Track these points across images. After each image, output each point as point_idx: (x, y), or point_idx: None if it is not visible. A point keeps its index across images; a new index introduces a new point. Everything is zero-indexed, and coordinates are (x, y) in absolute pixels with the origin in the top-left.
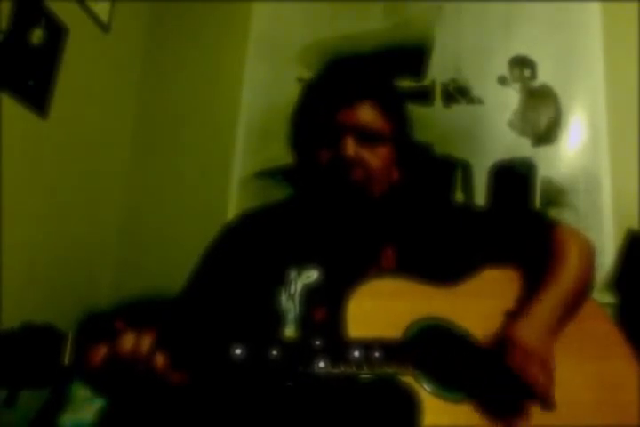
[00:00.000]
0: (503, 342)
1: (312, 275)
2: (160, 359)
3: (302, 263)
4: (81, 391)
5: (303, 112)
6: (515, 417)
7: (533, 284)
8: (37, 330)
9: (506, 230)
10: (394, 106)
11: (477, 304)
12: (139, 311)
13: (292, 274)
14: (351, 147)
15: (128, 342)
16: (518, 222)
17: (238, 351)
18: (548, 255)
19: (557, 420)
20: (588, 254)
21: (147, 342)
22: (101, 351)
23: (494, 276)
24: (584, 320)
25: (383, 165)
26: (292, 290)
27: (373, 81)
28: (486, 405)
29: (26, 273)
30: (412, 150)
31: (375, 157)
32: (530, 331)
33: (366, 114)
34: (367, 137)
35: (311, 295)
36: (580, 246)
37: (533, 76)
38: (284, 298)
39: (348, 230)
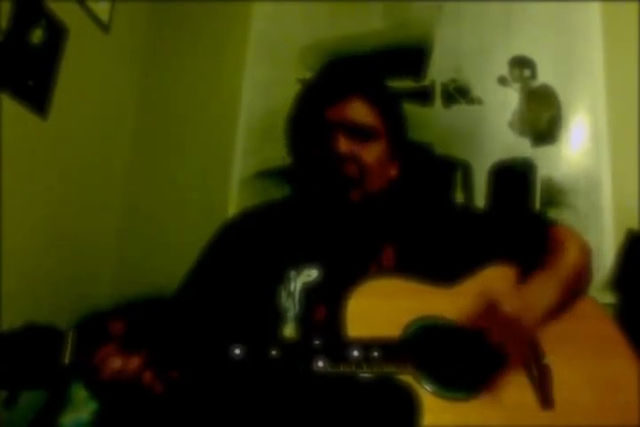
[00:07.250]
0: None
1: (312, 273)
2: (148, 376)
3: (302, 262)
4: (81, 391)
5: (297, 111)
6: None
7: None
8: (39, 330)
9: (505, 230)
10: (385, 102)
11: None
12: (138, 310)
13: (292, 272)
14: (342, 143)
15: (115, 363)
16: (517, 222)
17: (237, 351)
18: (546, 252)
19: (558, 420)
20: (586, 252)
21: (135, 363)
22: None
23: (493, 275)
24: (585, 320)
25: (377, 160)
26: (292, 288)
27: (362, 77)
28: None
29: (25, 273)
30: (407, 147)
31: (368, 153)
32: (519, 303)
33: (356, 110)
34: (359, 133)
35: (311, 294)
36: (579, 244)
37: (533, 76)
38: (283, 296)
39: (346, 227)
